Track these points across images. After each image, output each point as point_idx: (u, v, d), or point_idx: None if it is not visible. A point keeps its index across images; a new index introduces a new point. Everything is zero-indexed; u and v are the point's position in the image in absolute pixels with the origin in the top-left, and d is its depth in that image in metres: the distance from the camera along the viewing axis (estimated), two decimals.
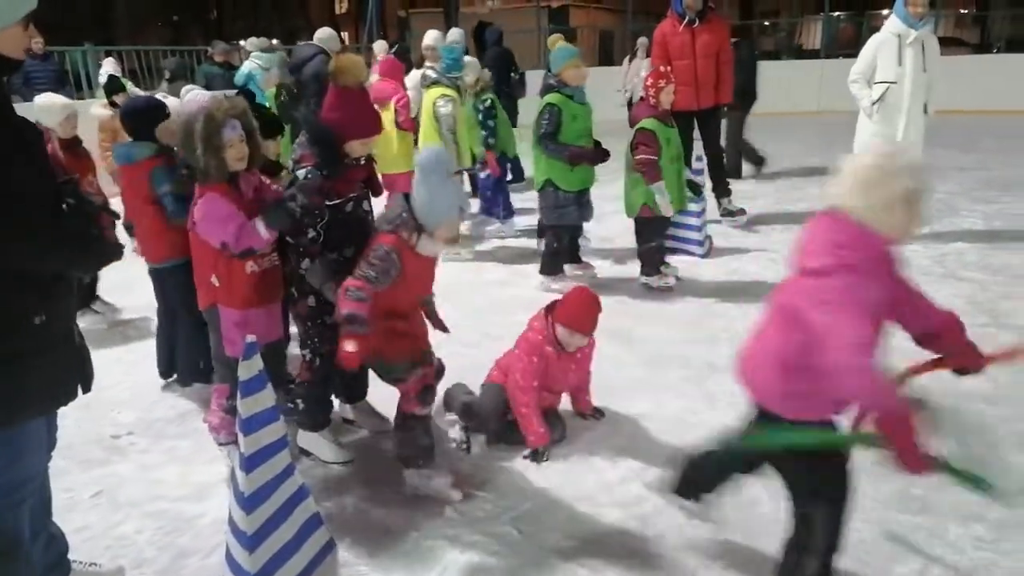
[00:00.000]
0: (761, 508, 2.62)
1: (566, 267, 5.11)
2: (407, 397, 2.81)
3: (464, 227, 6.05)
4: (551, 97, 4.65)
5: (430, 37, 6.46)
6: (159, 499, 2.91)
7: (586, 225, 5.23)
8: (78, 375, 1.98)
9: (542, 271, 5.08)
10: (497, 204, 6.46)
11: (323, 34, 7.34)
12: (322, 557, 2.43)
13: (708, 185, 6.04)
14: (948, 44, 18.38)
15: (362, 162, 2.90)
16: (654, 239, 4.92)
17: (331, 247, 2.79)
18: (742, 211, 6.50)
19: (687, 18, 6.06)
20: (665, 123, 4.70)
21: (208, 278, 2.80)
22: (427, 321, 2.97)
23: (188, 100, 3.67)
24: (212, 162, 2.65)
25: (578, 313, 3.04)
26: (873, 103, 5.49)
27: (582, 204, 4.84)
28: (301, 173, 2.75)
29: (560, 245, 4.98)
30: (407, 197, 2.68)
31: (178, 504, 2.87)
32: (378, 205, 3.12)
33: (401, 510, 2.76)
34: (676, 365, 3.86)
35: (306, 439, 3.07)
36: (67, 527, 2.35)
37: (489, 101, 6.26)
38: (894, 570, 2.34)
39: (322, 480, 2.98)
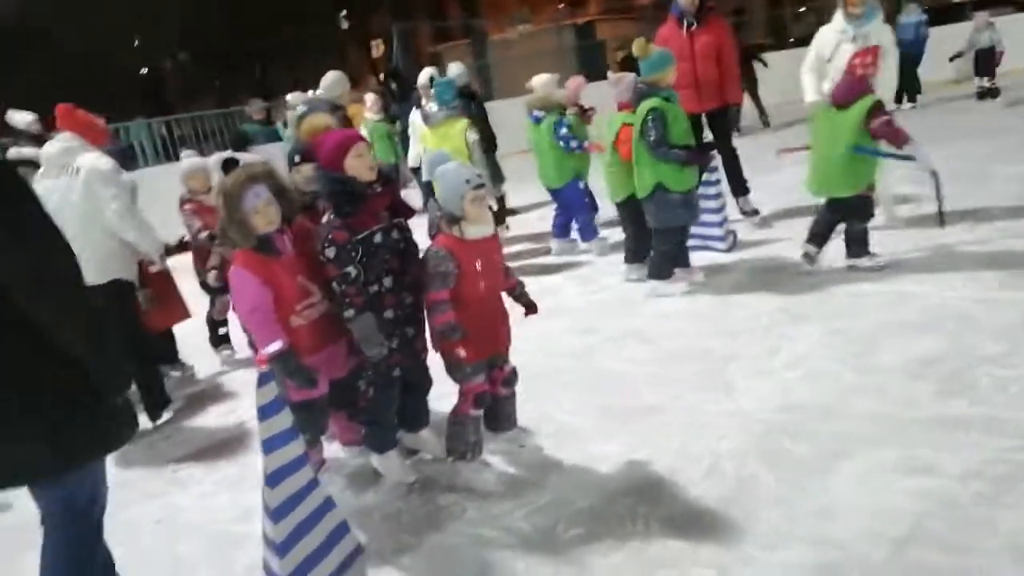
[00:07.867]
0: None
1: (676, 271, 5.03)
2: (464, 397, 3.06)
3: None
4: (652, 102, 4.65)
5: (423, 76, 6.80)
6: (213, 523, 3.21)
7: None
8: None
9: (652, 275, 5.05)
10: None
11: (328, 80, 6.12)
12: (351, 561, 2.65)
13: (724, 184, 6.04)
14: (995, 4, 17.82)
15: (379, 189, 2.97)
16: (864, 218, 4.76)
17: (368, 281, 2.93)
18: (755, 212, 6.45)
19: (685, 21, 6.12)
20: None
21: None
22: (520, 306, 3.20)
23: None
24: (234, 231, 2.78)
25: None
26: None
27: (691, 204, 4.85)
28: (325, 221, 2.96)
29: (670, 248, 4.96)
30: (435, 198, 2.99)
31: (228, 526, 3.15)
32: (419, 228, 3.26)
33: (423, 511, 2.98)
34: (694, 359, 3.96)
35: (376, 460, 3.26)
36: (133, 551, 2.67)
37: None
38: (888, 531, 2.40)
39: (348, 486, 3.25)
